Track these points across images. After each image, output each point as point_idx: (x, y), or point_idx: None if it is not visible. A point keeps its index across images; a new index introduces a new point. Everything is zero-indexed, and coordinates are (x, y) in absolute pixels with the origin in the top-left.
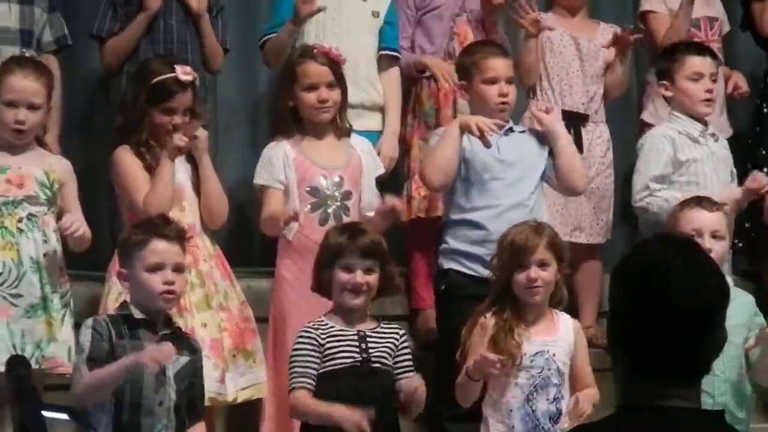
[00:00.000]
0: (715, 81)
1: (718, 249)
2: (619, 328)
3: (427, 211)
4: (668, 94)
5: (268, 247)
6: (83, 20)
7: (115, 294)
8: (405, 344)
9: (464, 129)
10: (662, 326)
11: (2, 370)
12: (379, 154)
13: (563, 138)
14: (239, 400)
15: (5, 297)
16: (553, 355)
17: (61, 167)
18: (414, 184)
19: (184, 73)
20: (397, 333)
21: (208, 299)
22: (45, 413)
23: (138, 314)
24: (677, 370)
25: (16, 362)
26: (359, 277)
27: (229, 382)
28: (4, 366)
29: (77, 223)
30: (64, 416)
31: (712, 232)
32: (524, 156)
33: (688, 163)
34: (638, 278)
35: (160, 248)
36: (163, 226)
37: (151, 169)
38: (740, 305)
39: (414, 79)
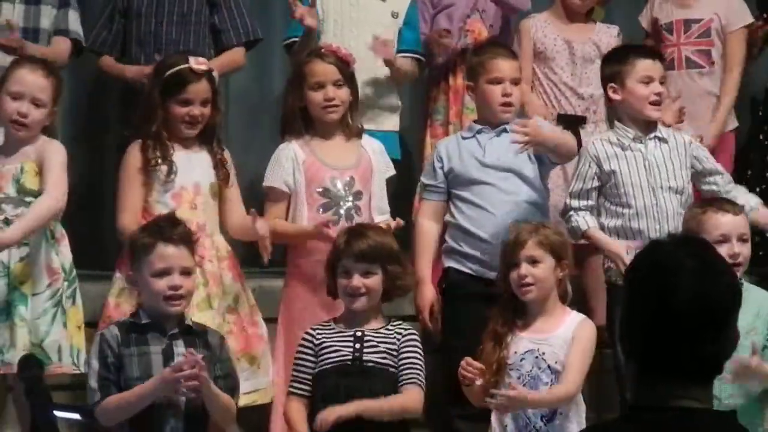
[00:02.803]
0: (663, 84)
1: (745, 252)
2: (631, 328)
3: None
4: (617, 97)
5: (281, 247)
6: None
7: (116, 290)
8: (409, 343)
9: None
10: (674, 326)
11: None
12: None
13: (550, 140)
14: (240, 404)
15: None
16: (543, 353)
17: (39, 149)
18: None
19: (197, 63)
20: (401, 332)
21: (210, 300)
22: (57, 413)
23: (145, 319)
24: (689, 371)
25: (29, 363)
26: (356, 280)
27: None
28: (17, 366)
29: None
30: (76, 416)
31: (738, 235)
32: (510, 154)
33: (615, 173)
34: (650, 279)
35: (167, 253)
36: (169, 229)
37: (151, 166)
38: (751, 303)
39: (426, 79)
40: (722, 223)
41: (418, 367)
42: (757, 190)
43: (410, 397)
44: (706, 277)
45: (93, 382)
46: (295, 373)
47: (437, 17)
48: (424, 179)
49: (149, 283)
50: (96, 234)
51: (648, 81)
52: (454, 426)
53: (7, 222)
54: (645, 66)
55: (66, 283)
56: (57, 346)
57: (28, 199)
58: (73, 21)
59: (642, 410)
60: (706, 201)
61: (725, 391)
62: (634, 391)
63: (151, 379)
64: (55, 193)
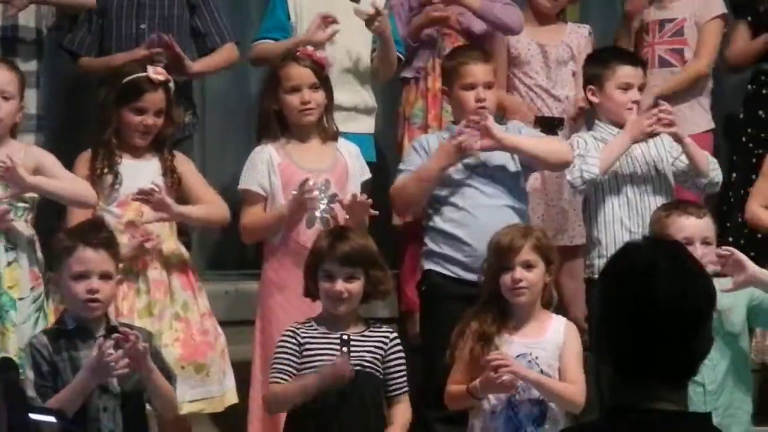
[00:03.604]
0: (641, 90)
1: (709, 254)
2: (606, 330)
3: (419, 213)
4: (595, 99)
5: (260, 250)
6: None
7: (59, 297)
8: (395, 349)
9: (447, 165)
10: (649, 328)
11: None
12: None
13: (515, 142)
14: (184, 411)
15: None
16: (536, 357)
17: (30, 154)
18: None
19: (156, 72)
20: (387, 336)
21: (151, 306)
22: (33, 416)
23: (71, 324)
24: (664, 373)
25: (5, 365)
26: (339, 285)
27: None
28: None
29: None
30: (52, 419)
31: (702, 239)
32: (490, 157)
33: None
34: (625, 280)
35: (86, 256)
36: (91, 233)
37: (96, 175)
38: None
39: (403, 82)
40: (685, 225)
41: (405, 375)
42: (741, 192)
43: (406, 411)
44: (681, 278)
45: (31, 392)
46: (278, 366)
47: (413, 19)
48: (402, 166)
49: (68, 287)
50: None
51: (627, 88)
52: (433, 429)
53: None
54: (625, 72)
55: (43, 288)
56: None
57: (21, 204)
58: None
59: (618, 413)
60: (671, 203)
61: (707, 377)
62: (610, 394)
63: (81, 370)
64: (87, 185)
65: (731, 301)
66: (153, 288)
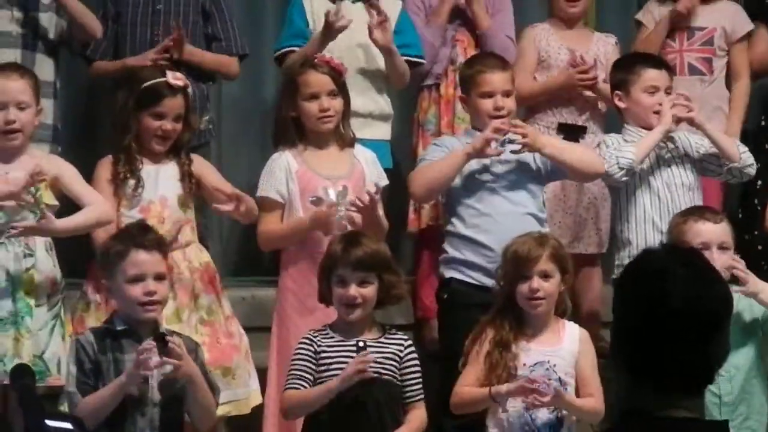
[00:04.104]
0: (669, 94)
1: (726, 260)
2: (623, 337)
3: (436, 219)
4: (622, 105)
5: (277, 257)
6: None
7: (82, 304)
8: (411, 356)
9: (474, 155)
10: (666, 335)
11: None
12: None
13: (548, 145)
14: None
15: None
16: (554, 365)
17: (50, 164)
18: None
19: (174, 78)
20: (402, 344)
21: (179, 312)
22: (49, 422)
23: (120, 325)
24: (681, 380)
25: (21, 371)
26: (352, 290)
27: None
28: (9, 375)
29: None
30: (68, 425)
31: (719, 244)
32: (513, 162)
33: None
34: (642, 287)
35: (140, 259)
36: (141, 236)
37: (119, 180)
38: (747, 306)
39: (417, 89)
40: (702, 231)
41: (420, 380)
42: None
43: (422, 416)
44: (698, 285)
45: (71, 387)
46: (295, 372)
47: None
48: (425, 156)
49: (124, 290)
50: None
51: (653, 91)
52: None
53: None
54: (651, 76)
55: (60, 295)
56: (57, 359)
57: (40, 211)
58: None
59: (633, 419)
60: (689, 210)
61: (724, 388)
62: (626, 401)
63: (124, 372)
64: (105, 206)
65: (745, 304)
66: (180, 293)
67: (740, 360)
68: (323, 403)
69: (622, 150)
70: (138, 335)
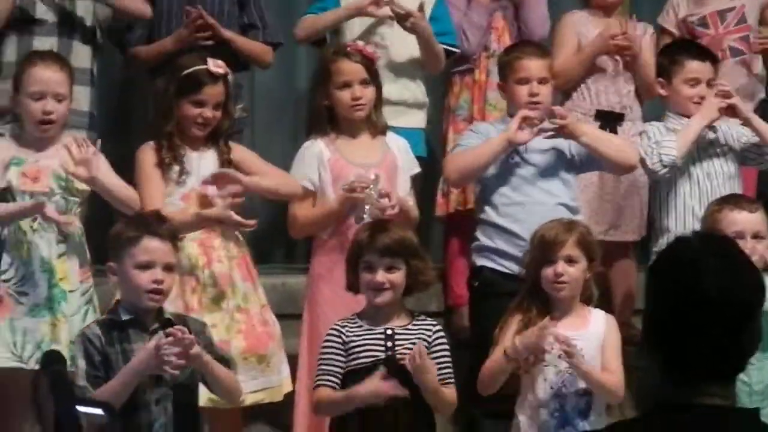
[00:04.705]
0: (711, 86)
1: (761, 249)
2: (656, 325)
3: (464, 204)
4: (663, 92)
5: (305, 244)
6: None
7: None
8: (440, 340)
9: (514, 143)
10: (698, 323)
11: (27, 367)
12: None
13: (587, 134)
14: (247, 403)
15: (11, 294)
16: (581, 349)
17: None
18: None
19: (215, 65)
20: (430, 329)
21: (219, 300)
22: (80, 408)
23: (125, 315)
24: (712, 368)
25: (52, 358)
26: (380, 276)
27: None
28: (40, 361)
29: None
30: (99, 411)
31: (753, 233)
32: (548, 151)
33: None
34: (675, 275)
35: (152, 246)
36: (156, 224)
37: (165, 164)
38: None
39: (449, 74)
40: (737, 220)
41: (450, 365)
42: None
43: (452, 396)
44: (730, 274)
45: (81, 381)
46: (325, 367)
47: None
48: (461, 141)
49: (131, 276)
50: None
51: (694, 83)
52: (479, 424)
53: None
54: (693, 68)
55: (92, 281)
56: None
57: (72, 198)
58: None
59: (665, 407)
60: (724, 198)
61: (754, 377)
62: (658, 389)
63: (132, 360)
64: (137, 195)
65: None
66: (220, 282)
67: None
68: (351, 409)
69: (665, 145)
70: (143, 324)
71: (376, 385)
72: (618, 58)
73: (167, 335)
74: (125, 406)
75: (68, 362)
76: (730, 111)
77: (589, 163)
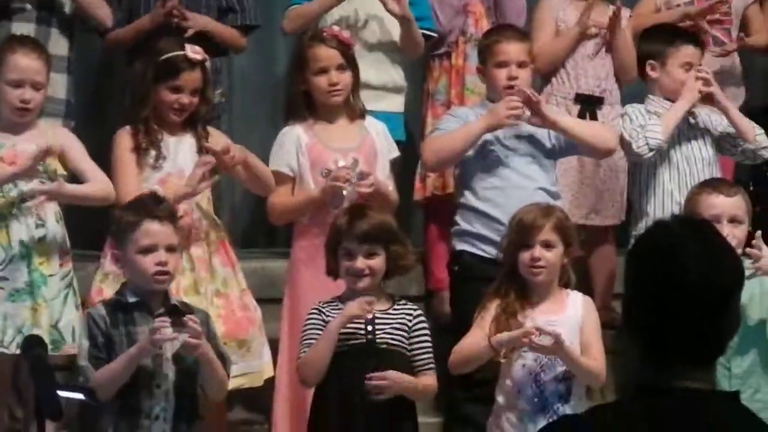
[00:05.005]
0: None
1: (737, 234)
2: (635, 309)
3: (442, 188)
4: (654, 74)
5: (286, 229)
6: None
7: (100, 275)
8: (420, 324)
9: (491, 127)
10: (678, 307)
11: (8, 352)
12: None
13: (563, 123)
14: (229, 388)
15: None
16: (560, 334)
17: (57, 136)
18: None
19: (193, 51)
20: (411, 313)
21: (197, 284)
22: (60, 393)
23: (132, 298)
24: (692, 352)
25: (32, 342)
26: (359, 262)
27: None
28: (21, 346)
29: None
30: (79, 395)
31: (730, 217)
32: (528, 136)
33: None
34: (654, 260)
35: (153, 229)
36: (154, 206)
37: (141, 149)
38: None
39: (427, 58)
40: (714, 203)
41: (431, 350)
42: None
43: (432, 383)
44: (710, 257)
45: (83, 361)
46: (306, 341)
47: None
48: (439, 126)
49: (135, 261)
50: (90, 213)
51: (688, 68)
52: (461, 409)
53: (25, 201)
54: (688, 52)
55: (71, 265)
56: (71, 327)
57: (52, 182)
58: None
59: (646, 391)
60: (705, 182)
61: (733, 361)
62: (638, 372)
63: (136, 344)
64: (110, 185)
65: (749, 294)
66: (198, 266)
67: (753, 334)
68: (332, 349)
69: (650, 128)
70: (149, 307)
71: (353, 308)
72: (598, 41)
73: (183, 324)
74: (127, 389)
75: (49, 346)
76: (709, 99)
77: (568, 149)
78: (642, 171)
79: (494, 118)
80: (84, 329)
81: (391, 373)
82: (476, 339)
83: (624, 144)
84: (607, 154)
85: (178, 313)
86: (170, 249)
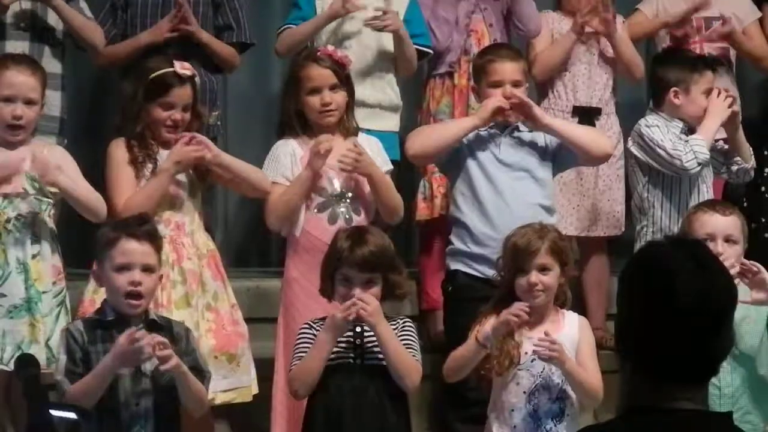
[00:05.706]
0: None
1: (731, 253)
2: (628, 329)
3: (447, 208)
4: (676, 101)
5: (282, 248)
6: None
7: (93, 286)
8: (405, 329)
9: (487, 120)
10: (671, 328)
11: (8, 369)
12: None
13: (557, 126)
14: (217, 402)
15: None
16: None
17: (52, 152)
18: (435, 182)
19: (182, 67)
20: (396, 324)
21: (188, 297)
22: (53, 412)
23: (111, 315)
24: (685, 373)
25: (25, 362)
26: (357, 293)
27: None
28: (14, 365)
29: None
30: (72, 415)
31: (725, 236)
32: (525, 154)
33: None
34: (647, 280)
35: (129, 248)
36: (134, 226)
37: (138, 162)
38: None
39: (426, 78)
40: (708, 222)
41: (415, 347)
42: None
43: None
44: (704, 277)
45: (60, 376)
46: (298, 355)
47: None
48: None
49: (110, 278)
50: (83, 232)
51: (708, 93)
52: (454, 428)
53: (19, 219)
54: (709, 79)
55: (64, 283)
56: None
57: (45, 199)
58: (87, 10)
59: (638, 411)
60: (703, 201)
61: (723, 380)
62: (631, 392)
63: (108, 353)
64: (103, 203)
65: (742, 315)
66: (189, 279)
67: (742, 354)
68: (321, 360)
69: (697, 143)
70: (128, 324)
71: (343, 310)
72: (594, 51)
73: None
74: (105, 406)
75: (44, 364)
76: (730, 119)
77: (565, 161)
78: (640, 188)
79: (483, 111)
80: (62, 344)
81: None
82: (468, 345)
83: (659, 158)
84: (604, 159)
85: (157, 327)
86: (146, 269)
